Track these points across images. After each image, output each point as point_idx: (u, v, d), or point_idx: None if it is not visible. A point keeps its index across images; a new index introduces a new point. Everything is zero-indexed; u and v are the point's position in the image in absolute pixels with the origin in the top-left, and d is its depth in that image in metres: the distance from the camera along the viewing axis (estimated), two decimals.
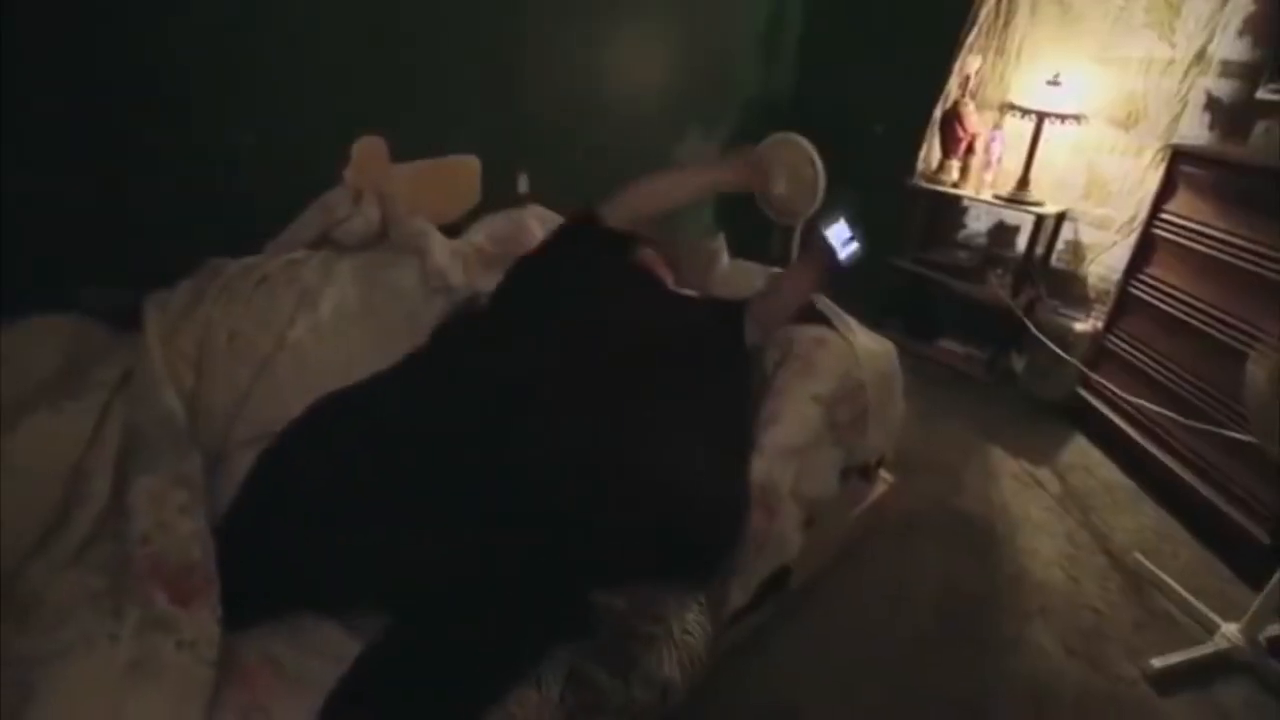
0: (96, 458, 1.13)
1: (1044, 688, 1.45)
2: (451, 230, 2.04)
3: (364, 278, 1.75)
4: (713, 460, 1.16)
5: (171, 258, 1.59)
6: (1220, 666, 1.50)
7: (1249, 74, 2.06)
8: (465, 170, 2.23)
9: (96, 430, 1.16)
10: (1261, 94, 1.99)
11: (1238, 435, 1.65)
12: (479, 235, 2.14)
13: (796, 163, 2.42)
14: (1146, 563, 1.76)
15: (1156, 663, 1.49)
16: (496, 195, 2.30)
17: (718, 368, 1.35)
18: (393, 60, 1.95)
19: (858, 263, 1.49)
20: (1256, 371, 1.39)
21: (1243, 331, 1.74)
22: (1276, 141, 1.88)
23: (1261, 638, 1.51)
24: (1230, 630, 1.54)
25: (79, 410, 1.18)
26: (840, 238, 1.49)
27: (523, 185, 2.42)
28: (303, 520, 1.02)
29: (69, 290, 1.45)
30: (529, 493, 1.02)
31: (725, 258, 2.16)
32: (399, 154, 1.99)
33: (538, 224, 2.24)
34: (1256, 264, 1.76)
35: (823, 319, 1.67)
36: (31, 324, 1.29)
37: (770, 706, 1.35)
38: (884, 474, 1.86)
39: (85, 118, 1.50)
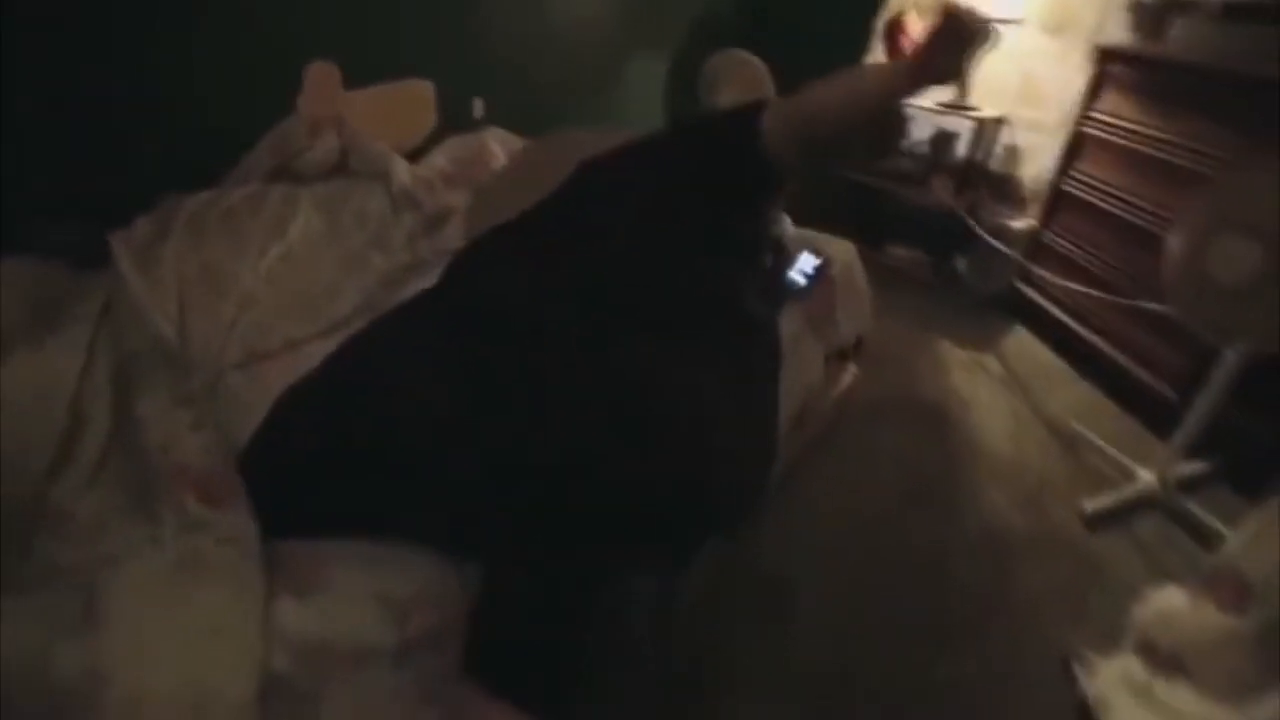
0: (91, 386, 1.12)
1: (998, 538, 1.65)
2: (408, 158, 2.01)
3: (329, 204, 1.73)
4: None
5: (123, 194, 1.54)
6: (1138, 505, 1.74)
7: None
8: (419, 96, 2.18)
9: (87, 361, 1.16)
10: None
11: (1154, 307, 1.85)
12: (440, 159, 2.12)
13: (746, 78, 2.46)
14: (1079, 428, 1.98)
15: (1088, 507, 1.71)
16: (452, 121, 2.26)
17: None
18: None
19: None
20: (1176, 243, 1.56)
21: (1163, 217, 1.92)
22: (1192, 38, 2.02)
23: (1171, 478, 1.74)
24: (1146, 475, 1.77)
25: (62, 344, 1.17)
26: (806, 267, 1.54)
27: (478, 110, 2.38)
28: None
29: (17, 229, 1.39)
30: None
31: None
32: (352, 82, 1.93)
33: (498, 146, 2.22)
34: (1174, 154, 1.93)
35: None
36: None
37: (767, 576, 1.49)
38: (850, 366, 2.01)
39: (35, 52, 1.41)
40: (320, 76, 1.88)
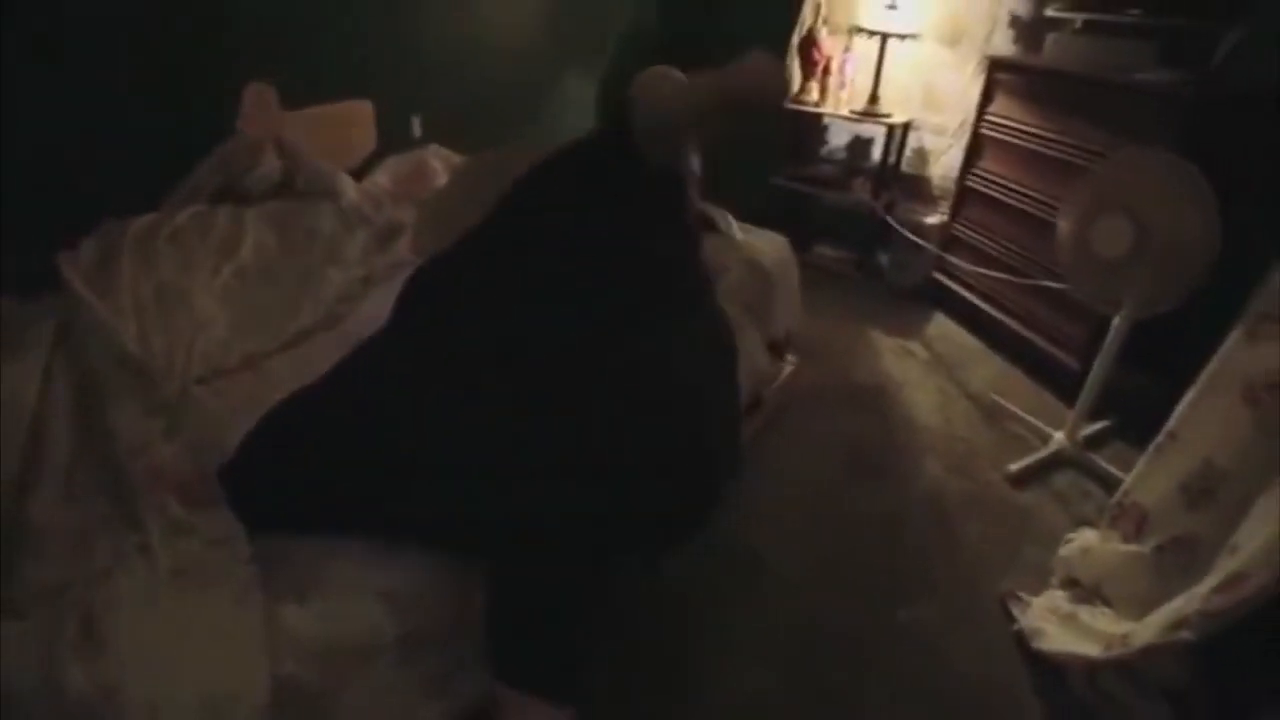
0: (50, 406, 1.11)
1: (937, 500, 1.81)
2: (352, 176, 2.03)
3: (278, 223, 1.75)
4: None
5: (58, 219, 1.51)
6: (1054, 463, 1.93)
7: None
8: (359, 115, 2.21)
9: (44, 384, 1.14)
10: (1049, 12, 2.40)
11: (1054, 285, 2.07)
12: (382, 177, 2.15)
13: (670, 95, 2.59)
14: (998, 399, 2.18)
15: (1012, 468, 1.90)
16: (391, 140, 2.29)
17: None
18: (277, 7, 1.88)
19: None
20: (1064, 226, 1.76)
21: (1053, 205, 2.15)
22: (1062, 49, 2.28)
23: (1079, 438, 1.95)
24: (1058, 436, 1.97)
25: (20, 371, 1.15)
26: None
27: (416, 129, 2.42)
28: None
29: None
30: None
31: None
32: (290, 103, 1.94)
33: (439, 163, 2.27)
34: (1057, 149, 2.18)
35: (713, 227, 1.90)
36: None
37: (739, 549, 1.59)
38: (790, 357, 2.14)
39: None
40: (257, 97, 1.88)
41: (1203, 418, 1.29)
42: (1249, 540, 1.05)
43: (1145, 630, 1.16)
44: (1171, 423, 1.36)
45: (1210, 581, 1.09)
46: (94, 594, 0.86)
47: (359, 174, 2.11)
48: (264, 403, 1.18)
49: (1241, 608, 0.98)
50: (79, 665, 0.75)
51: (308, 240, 1.73)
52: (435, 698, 1.03)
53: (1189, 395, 1.32)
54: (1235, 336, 1.23)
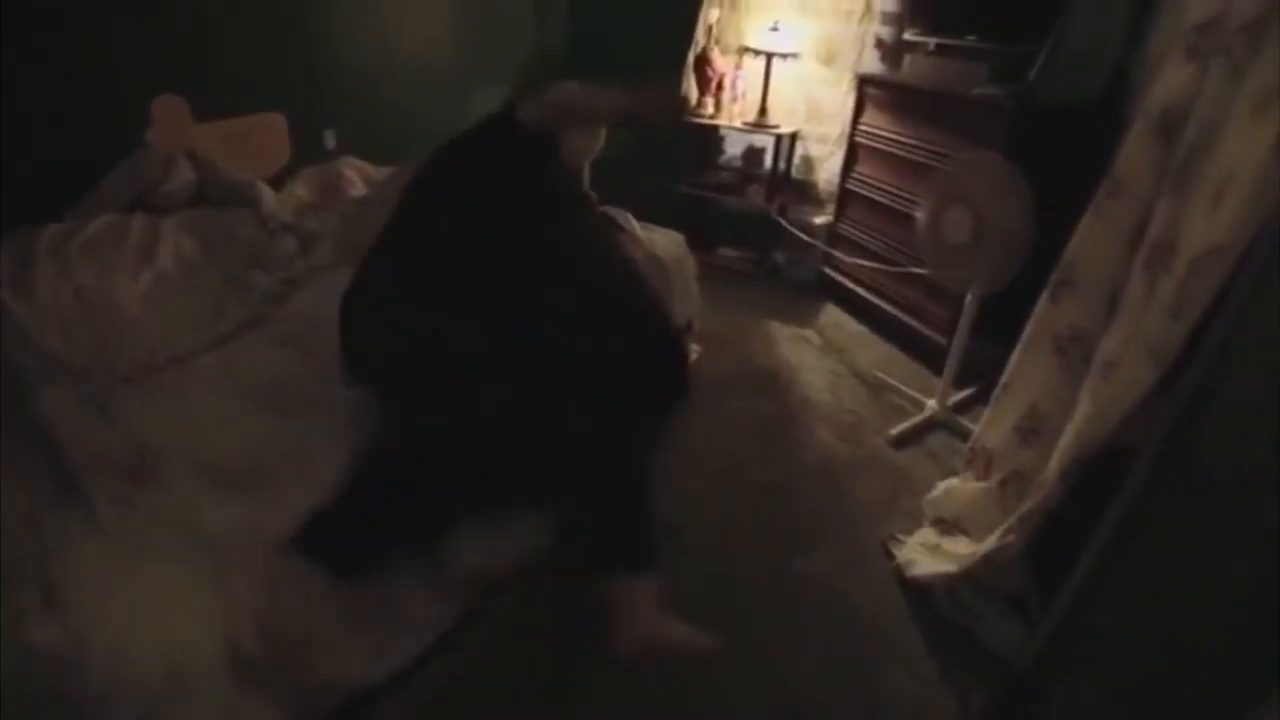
0: None
1: (827, 464, 2.03)
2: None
3: (197, 230, 1.79)
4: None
5: None
6: (928, 427, 2.21)
7: (899, 21, 2.80)
8: (271, 128, 2.25)
9: None
10: (907, 35, 2.73)
11: (919, 271, 2.36)
12: (299, 188, 2.20)
13: None
14: (882, 376, 2.45)
15: (892, 433, 2.15)
16: (305, 154, 2.34)
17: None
18: (186, 22, 1.91)
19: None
20: (922, 219, 2.04)
21: (915, 200, 2.45)
22: (918, 68, 2.61)
23: (948, 403, 2.23)
24: (931, 404, 2.25)
25: None
26: None
27: (329, 141, 2.47)
28: None
29: None
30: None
31: None
32: (202, 116, 1.97)
33: (354, 174, 2.34)
34: (915, 153, 2.49)
35: (614, 223, 2.08)
36: None
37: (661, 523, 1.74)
38: (695, 346, 2.33)
39: None
40: (167, 110, 1.91)
41: (1026, 369, 1.56)
42: (1054, 460, 1.30)
43: (986, 545, 1.40)
44: (1004, 376, 1.62)
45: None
46: (50, 565, 0.91)
47: (275, 186, 2.15)
48: (193, 399, 1.24)
49: (1042, 506, 1.22)
50: (45, 624, 0.80)
51: (227, 245, 1.78)
52: (375, 662, 1.12)
53: (1015, 351, 1.59)
54: (1043, 299, 1.50)
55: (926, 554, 1.61)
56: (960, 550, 1.54)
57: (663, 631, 1.22)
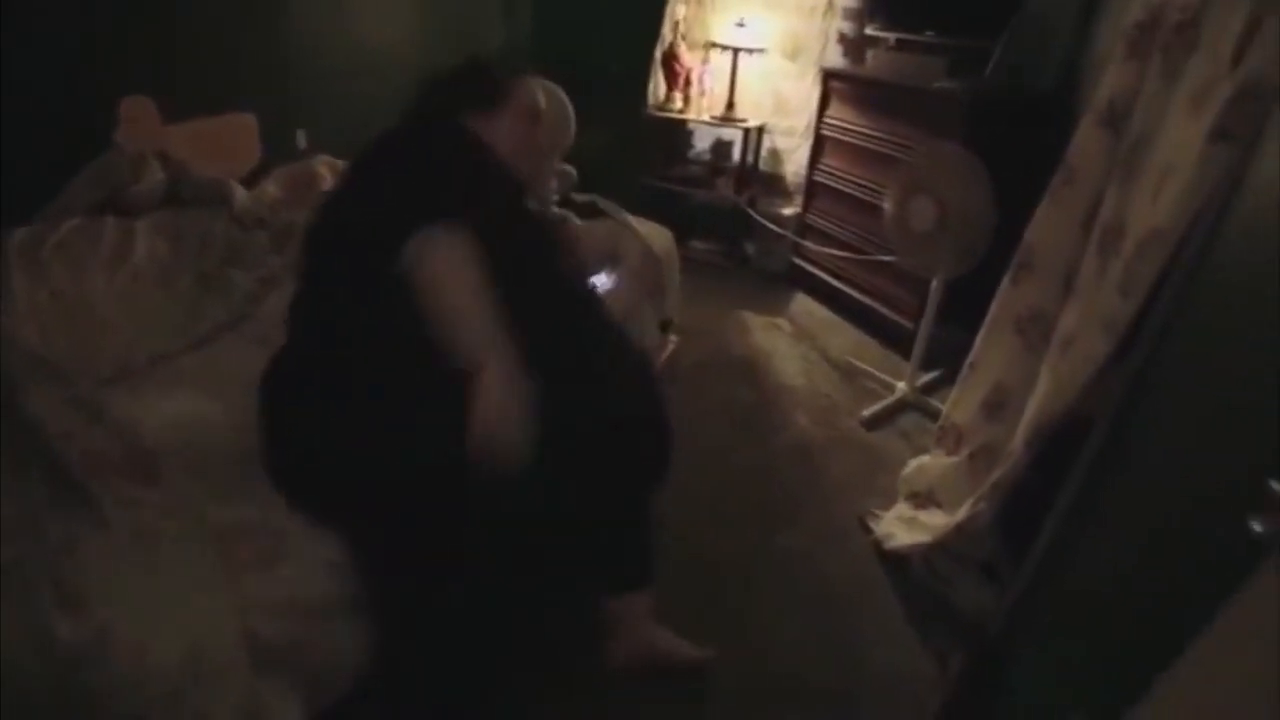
0: None
1: (803, 446, 2.11)
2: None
3: (170, 230, 1.77)
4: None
5: None
6: (899, 408, 2.30)
7: (860, 17, 2.88)
8: (242, 128, 2.22)
9: None
10: (869, 30, 2.82)
11: (887, 259, 2.45)
12: (272, 186, 2.19)
13: (549, 103, 2.80)
14: (853, 360, 2.54)
15: (865, 415, 2.24)
16: (276, 154, 2.32)
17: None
18: (155, 21, 1.88)
19: None
20: (888, 208, 2.12)
21: (881, 190, 2.53)
22: (880, 62, 2.70)
23: (917, 385, 2.33)
24: (901, 386, 2.34)
25: None
26: None
27: (301, 141, 2.45)
28: None
29: None
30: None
31: None
32: (171, 117, 1.94)
33: (328, 171, 2.33)
34: (878, 144, 2.58)
35: (606, 215, 2.12)
36: None
37: None
38: (672, 336, 2.39)
39: None
40: (136, 111, 1.88)
41: (990, 349, 1.65)
42: (1019, 432, 1.39)
43: (958, 515, 1.48)
44: (971, 356, 1.71)
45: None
46: (61, 563, 0.91)
47: (247, 186, 2.13)
48: (178, 399, 1.25)
49: (1009, 476, 1.30)
50: (65, 618, 0.82)
51: (203, 245, 1.76)
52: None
53: (980, 333, 1.68)
54: (1004, 282, 1.59)
55: (903, 527, 1.70)
56: (935, 522, 1.62)
57: (657, 644, 1.28)
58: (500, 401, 0.91)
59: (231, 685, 0.84)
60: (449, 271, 0.97)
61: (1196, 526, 0.81)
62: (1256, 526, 0.44)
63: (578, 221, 1.96)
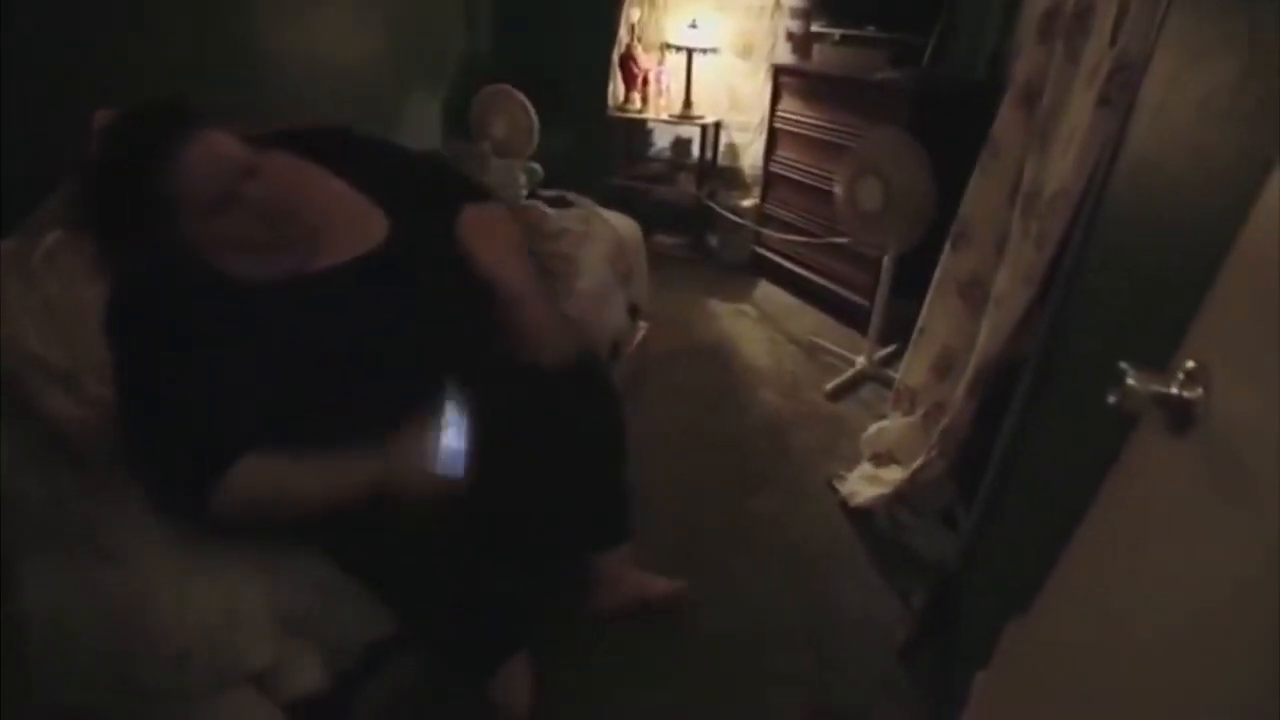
0: None
1: (772, 420, 2.23)
2: None
3: None
4: None
5: None
6: (859, 380, 2.44)
7: (806, 15, 3.03)
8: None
9: None
10: (815, 28, 2.97)
11: (840, 241, 2.59)
12: None
13: (511, 108, 2.91)
14: (815, 339, 2.68)
15: (828, 388, 2.37)
16: None
17: None
18: (122, 35, 1.92)
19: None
20: (838, 191, 2.26)
21: (831, 176, 2.67)
22: (826, 57, 2.85)
23: (875, 358, 2.47)
24: (860, 360, 2.48)
25: None
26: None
27: None
28: None
29: None
30: None
31: None
32: None
33: None
34: (827, 134, 2.73)
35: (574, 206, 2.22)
36: None
37: None
38: (642, 323, 2.49)
39: None
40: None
41: (937, 313, 1.79)
42: (962, 382, 1.52)
43: (914, 465, 1.62)
44: (920, 321, 1.85)
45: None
46: (97, 533, 0.97)
47: None
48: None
49: (955, 423, 1.44)
50: (111, 571, 0.89)
51: None
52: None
53: (927, 298, 1.82)
54: (946, 250, 1.73)
55: (866, 483, 1.83)
56: (895, 477, 1.75)
57: (640, 586, 1.40)
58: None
59: (265, 632, 0.92)
60: None
61: (1093, 427, 0.92)
62: (1111, 399, 0.56)
63: (548, 211, 2.06)
